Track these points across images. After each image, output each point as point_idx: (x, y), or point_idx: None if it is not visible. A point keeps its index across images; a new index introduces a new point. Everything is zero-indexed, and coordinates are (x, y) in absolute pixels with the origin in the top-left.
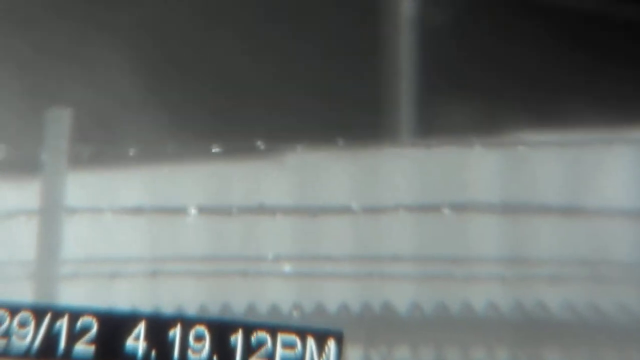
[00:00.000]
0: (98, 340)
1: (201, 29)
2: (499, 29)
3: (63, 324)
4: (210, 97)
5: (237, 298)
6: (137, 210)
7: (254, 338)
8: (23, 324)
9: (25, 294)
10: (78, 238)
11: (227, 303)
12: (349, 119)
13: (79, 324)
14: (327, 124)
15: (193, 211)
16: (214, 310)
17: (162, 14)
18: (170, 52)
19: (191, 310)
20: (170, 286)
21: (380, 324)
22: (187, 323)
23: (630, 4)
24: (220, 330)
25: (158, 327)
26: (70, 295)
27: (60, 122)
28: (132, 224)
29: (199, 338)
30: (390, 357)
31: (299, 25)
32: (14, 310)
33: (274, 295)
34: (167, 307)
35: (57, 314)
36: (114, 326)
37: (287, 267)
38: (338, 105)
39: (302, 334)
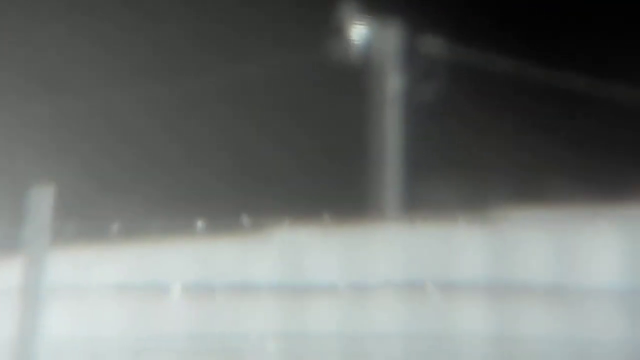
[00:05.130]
0: None
1: (184, 108)
2: (484, 105)
3: None
4: (194, 173)
5: None
6: (121, 288)
7: None
8: None
9: None
10: (60, 316)
11: None
12: (335, 195)
13: None
14: (313, 200)
15: (177, 288)
16: None
17: (143, 95)
18: (154, 128)
19: None
20: None
21: None
22: None
23: (618, 86)
24: None
25: None
26: None
27: (42, 199)
28: (115, 301)
29: None
30: None
31: (282, 101)
32: None
33: None
34: None
35: None
36: None
37: (271, 346)
38: (325, 182)
39: None
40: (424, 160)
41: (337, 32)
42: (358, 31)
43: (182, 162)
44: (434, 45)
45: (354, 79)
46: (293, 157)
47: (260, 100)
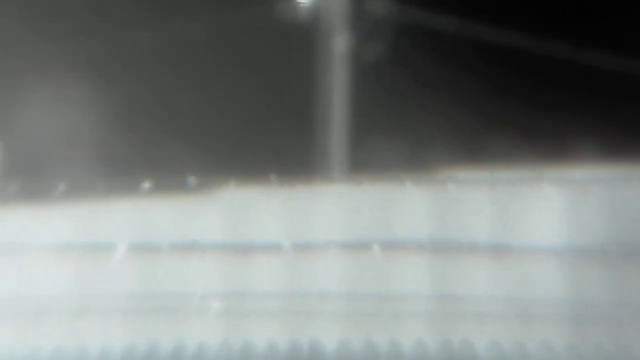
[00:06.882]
0: None
1: (125, 65)
2: (430, 66)
3: None
4: (139, 133)
5: (164, 336)
6: (65, 247)
7: None
8: None
9: None
10: (3, 274)
11: (155, 342)
12: (281, 156)
13: None
14: (259, 161)
15: (122, 248)
16: (140, 349)
17: (102, 50)
18: (96, 88)
19: (117, 347)
20: (96, 324)
21: None
22: None
23: (560, 43)
24: None
25: None
26: None
27: None
28: (59, 260)
29: None
30: None
31: (229, 60)
32: None
33: (201, 333)
34: (93, 345)
35: None
36: None
37: (215, 304)
38: (271, 142)
39: None
40: (370, 121)
41: None
42: None
43: (127, 123)
44: (380, 4)
45: (301, 38)
46: (239, 118)
47: (207, 59)
